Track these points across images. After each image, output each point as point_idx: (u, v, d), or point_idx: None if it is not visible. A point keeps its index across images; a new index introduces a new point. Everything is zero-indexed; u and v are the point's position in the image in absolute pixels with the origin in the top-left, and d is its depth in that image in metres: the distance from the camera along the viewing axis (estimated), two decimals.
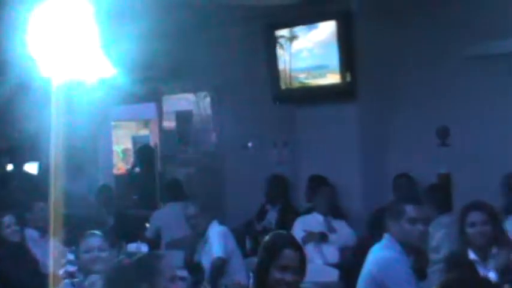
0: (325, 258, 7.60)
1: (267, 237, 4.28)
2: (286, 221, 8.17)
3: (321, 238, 7.68)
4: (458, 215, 5.40)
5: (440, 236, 6.76)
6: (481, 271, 4.98)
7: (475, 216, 5.18)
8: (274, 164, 9.30)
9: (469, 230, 5.16)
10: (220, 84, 9.79)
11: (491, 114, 7.74)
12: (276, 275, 4.05)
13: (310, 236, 7.61)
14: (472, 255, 5.14)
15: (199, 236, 7.03)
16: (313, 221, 7.81)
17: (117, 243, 6.86)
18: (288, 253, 4.09)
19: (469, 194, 6.26)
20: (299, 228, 7.66)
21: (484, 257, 5.11)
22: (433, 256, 6.50)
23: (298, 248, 4.17)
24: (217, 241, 6.80)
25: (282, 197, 8.96)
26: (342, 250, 7.69)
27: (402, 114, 8.41)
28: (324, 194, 8.01)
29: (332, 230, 7.80)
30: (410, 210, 4.71)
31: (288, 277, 4.04)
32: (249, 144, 9.02)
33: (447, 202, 7.34)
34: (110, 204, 9.23)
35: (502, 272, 4.98)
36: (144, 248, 7.36)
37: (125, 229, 8.23)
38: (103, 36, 6.28)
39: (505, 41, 7.50)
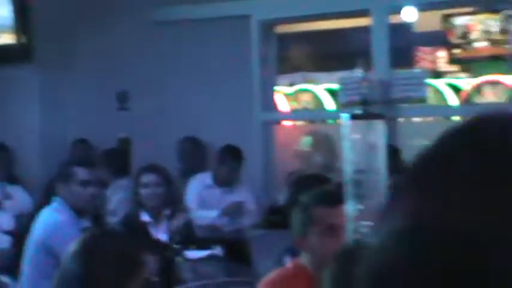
0: None
1: None
2: None
3: None
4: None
5: (117, 199, 6.78)
6: (154, 232, 5.06)
7: (148, 178, 5.28)
8: None
9: (142, 191, 5.25)
10: None
11: (171, 79, 7.85)
12: None
13: None
14: (145, 217, 5.20)
15: None
16: None
17: None
18: None
19: (148, 158, 6.31)
20: None
21: (157, 218, 5.20)
22: (110, 219, 6.51)
23: None
24: None
25: None
26: (18, 217, 7.43)
27: (82, 78, 8.27)
28: (0, 159, 7.69)
29: (7, 196, 7.50)
30: (80, 172, 4.67)
31: None
32: None
33: (125, 166, 7.38)
34: None
35: (173, 233, 5.10)
36: None
37: None
38: None
39: (191, 6, 7.63)
